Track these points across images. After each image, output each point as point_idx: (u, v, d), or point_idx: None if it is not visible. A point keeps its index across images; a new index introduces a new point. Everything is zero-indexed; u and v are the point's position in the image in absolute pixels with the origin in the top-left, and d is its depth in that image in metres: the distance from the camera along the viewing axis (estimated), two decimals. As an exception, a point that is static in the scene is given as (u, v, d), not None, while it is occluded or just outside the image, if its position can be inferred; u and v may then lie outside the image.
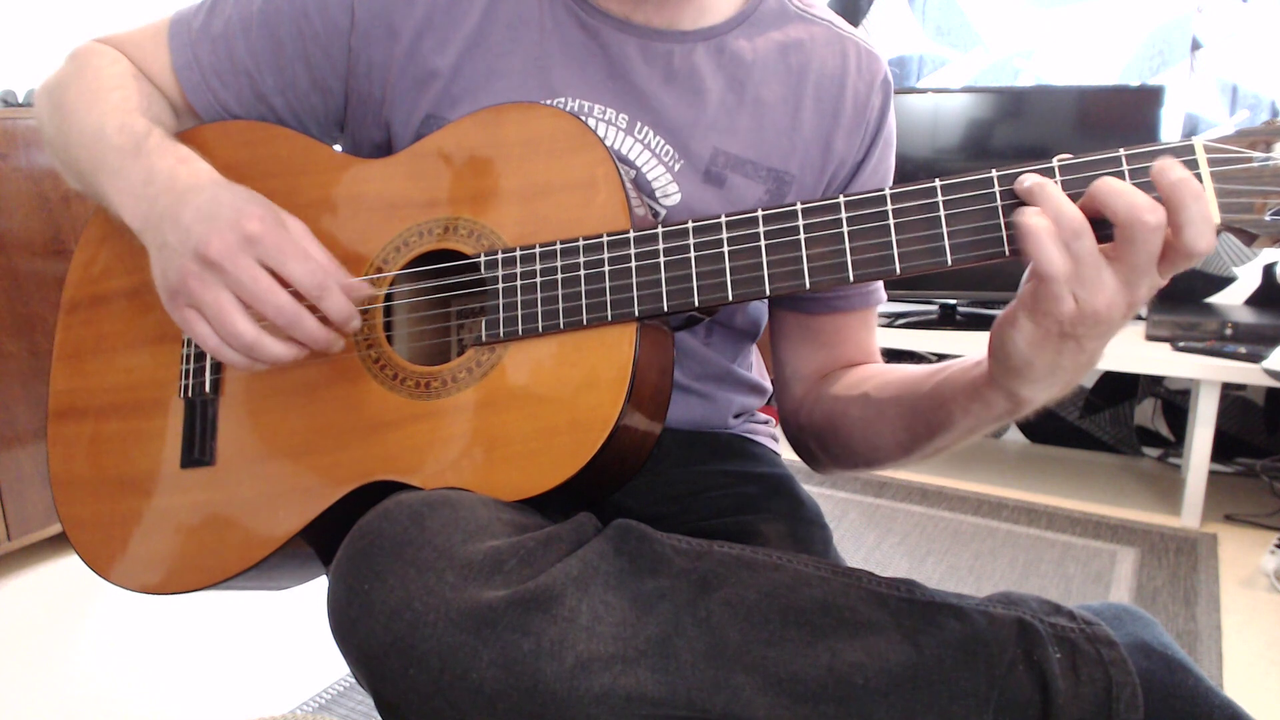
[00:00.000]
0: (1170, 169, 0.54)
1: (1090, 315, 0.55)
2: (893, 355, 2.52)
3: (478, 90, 0.78)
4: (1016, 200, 0.58)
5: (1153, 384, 2.44)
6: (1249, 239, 0.57)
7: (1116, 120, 2.21)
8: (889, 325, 2.36)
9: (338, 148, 0.84)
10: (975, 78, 2.50)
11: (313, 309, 0.68)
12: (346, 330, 0.70)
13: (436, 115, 0.78)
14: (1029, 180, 0.57)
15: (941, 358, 2.78)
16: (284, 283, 0.67)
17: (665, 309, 0.65)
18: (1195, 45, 2.25)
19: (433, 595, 0.54)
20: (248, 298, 0.66)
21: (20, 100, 1.95)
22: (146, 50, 0.83)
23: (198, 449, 0.76)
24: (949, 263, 0.60)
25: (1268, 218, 0.55)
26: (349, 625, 0.56)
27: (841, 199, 0.62)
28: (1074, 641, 0.61)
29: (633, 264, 0.66)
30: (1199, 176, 0.55)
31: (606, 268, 0.67)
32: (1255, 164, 0.55)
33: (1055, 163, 0.57)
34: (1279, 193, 0.55)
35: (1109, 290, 0.55)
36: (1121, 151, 0.57)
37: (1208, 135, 0.57)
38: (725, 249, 0.65)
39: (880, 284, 0.88)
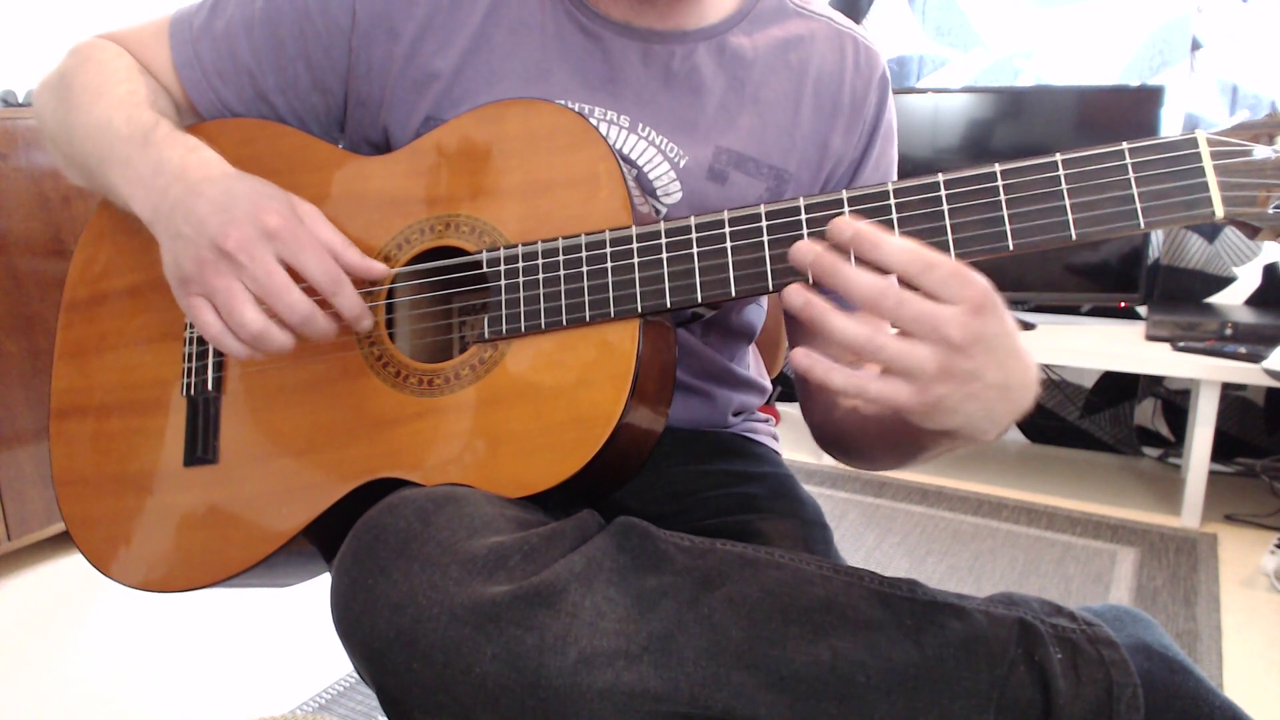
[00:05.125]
0: (842, 230, 0.56)
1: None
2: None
3: (478, 93, 0.77)
4: (1017, 195, 0.58)
5: (1153, 384, 2.44)
6: (1252, 232, 0.57)
7: (1116, 120, 2.21)
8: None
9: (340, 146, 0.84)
10: (975, 78, 2.50)
11: (324, 304, 0.68)
12: (358, 329, 0.70)
13: (436, 117, 0.78)
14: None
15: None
16: (296, 276, 0.67)
17: (668, 305, 0.65)
18: (1195, 45, 2.25)
19: (437, 590, 0.54)
20: (261, 293, 0.66)
21: (20, 100, 1.95)
22: (148, 47, 0.83)
23: (201, 447, 0.76)
24: (952, 258, 0.60)
25: (1271, 210, 0.55)
26: (353, 619, 0.56)
27: (845, 194, 0.62)
28: (1075, 642, 0.61)
29: (635, 260, 0.66)
30: (1202, 169, 0.55)
31: (609, 264, 0.67)
32: (1258, 156, 0.55)
33: (1058, 157, 0.57)
34: None
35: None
36: (1125, 145, 0.57)
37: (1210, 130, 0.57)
38: (729, 244, 0.65)
39: None
